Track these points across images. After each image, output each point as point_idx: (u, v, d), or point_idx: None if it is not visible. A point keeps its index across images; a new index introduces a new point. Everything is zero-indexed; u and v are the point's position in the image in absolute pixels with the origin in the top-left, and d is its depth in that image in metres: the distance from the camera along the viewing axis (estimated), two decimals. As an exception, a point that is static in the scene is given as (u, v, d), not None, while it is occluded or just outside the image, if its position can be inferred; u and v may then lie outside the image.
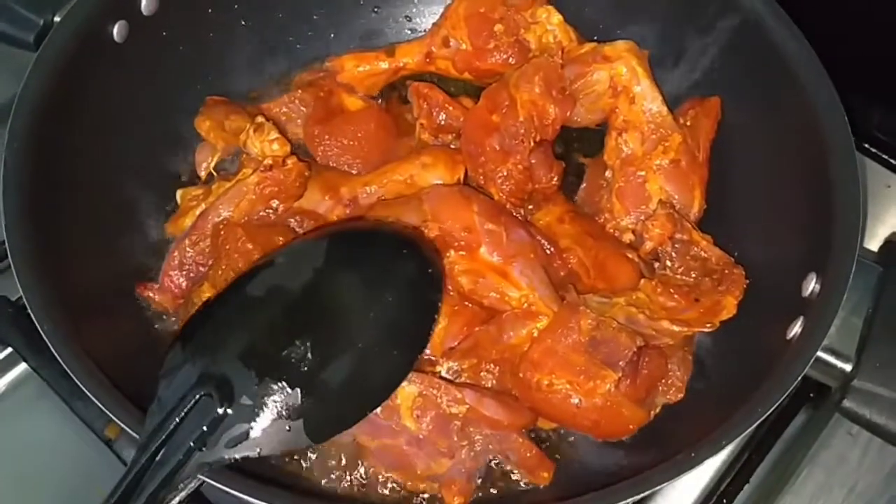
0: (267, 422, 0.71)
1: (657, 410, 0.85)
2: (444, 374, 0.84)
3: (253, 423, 0.70)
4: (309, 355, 0.74)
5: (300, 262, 0.81)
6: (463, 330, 0.86)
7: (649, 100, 0.96)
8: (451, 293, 0.87)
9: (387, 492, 0.83)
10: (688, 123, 0.96)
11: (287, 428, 0.71)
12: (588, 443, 0.86)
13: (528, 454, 0.81)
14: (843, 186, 0.78)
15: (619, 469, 0.79)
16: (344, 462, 0.83)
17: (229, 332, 0.76)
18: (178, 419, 0.69)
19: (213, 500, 0.86)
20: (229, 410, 0.70)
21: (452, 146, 0.99)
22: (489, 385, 0.84)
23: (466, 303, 0.87)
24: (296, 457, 0.84)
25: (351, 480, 0.83)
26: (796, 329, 0.75)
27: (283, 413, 0.71)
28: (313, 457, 0.84)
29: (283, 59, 1.07)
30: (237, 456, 0.69)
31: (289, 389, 0.72)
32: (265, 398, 0.72)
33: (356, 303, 0.79)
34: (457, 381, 0.84)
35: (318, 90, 1.02)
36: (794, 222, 0.85)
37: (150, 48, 0.93)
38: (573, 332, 0.81)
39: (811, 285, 0.77)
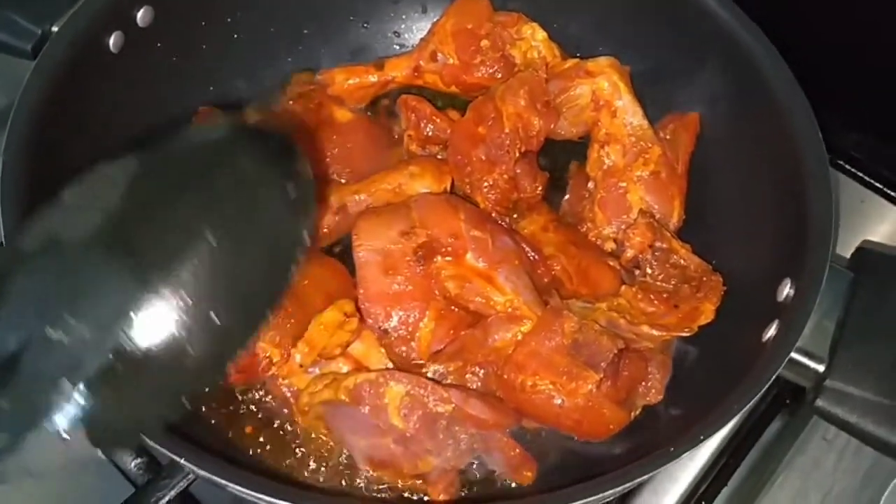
0: (33, 430, 0.54)
1: (637, 412, 0.87)
2: (430, 376, 0.86)
3: (12, 434, 0.54)
4: (87, 336, 0.54)
5: (90, 198, 0.59)
6: (449, 333, 0.88)
7: (630, 114, 0.99)
8: (438, 298, 0.88)
9: (373, 488, 0.84)
10: (667, 137, 0.99)
11: (62, 436, 0.54)
12: (570, 443, 0.88)
13: (512, 453, 0.83)
14: (817, 195, 0.81)
15: (601, 468, 0.80)
16: (332, 461, 0.85)
17: None
18: None
19: (202, 499, 0.87)
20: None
21: (439, 157, 1.02)
22: (474, 387, 0.86)
23: (453, 307, 0.89)
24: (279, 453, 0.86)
25: (339, 480, 0.85)
26: (771, 332, 0.77)
27: (54, 416, 0.54)
28: (298, 454, 0.86)
29: (275, 72, 1.09)
30: None
31: (59, 384, 0.54)
32: (27, 398, 0.54)
33: (159, 254, 0.57)
34: (443, 383, 0.86)
35: (309, 102, 1.04)
36: (769, 231, 0.88)
37: (144, 59, 0.95)
38: (556, 335, 0.83)
39: (786, 290, 0.79)
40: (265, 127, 0.66)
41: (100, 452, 0.57)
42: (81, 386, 0.54)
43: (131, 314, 0.55)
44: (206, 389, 0.59)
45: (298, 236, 0.60)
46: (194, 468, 0.68)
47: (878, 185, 1.18)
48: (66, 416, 0.54)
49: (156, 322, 0.55)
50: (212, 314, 0.56)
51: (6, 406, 0.53)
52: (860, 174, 1.18)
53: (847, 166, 1.18)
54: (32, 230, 0.58)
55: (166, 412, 0.59)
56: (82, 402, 0.54)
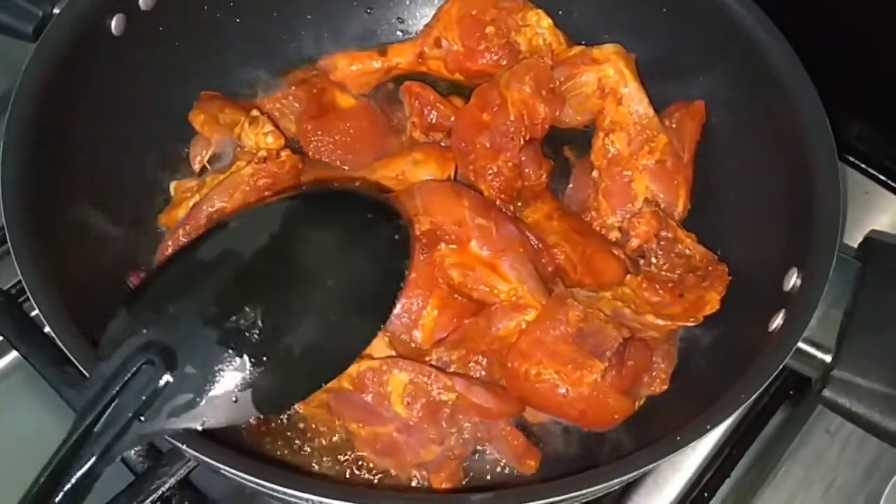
0: (212, 392, 0.68)
1: (642, 401, 0.87)
2: (433, 364, 0.85)
3: (197, 393, 0.68)
4: (260, 322, 0.71)
5: (256, 225, 0.78)
6: (453, 322, 0.87)
7: (636, 101, 0.98)
8: (442, 285, 0.88)
9: (375, 476, 0.84)
10: (673, 125, 0.99)
11: (234, 399, 0.69)
12: (574, 433, 0.87)
13: (516, 442, 0.82)
14: (824, 184, 0.81)
15: (605, 457, 0.80)
16: (335, 449, 0.85)
17: (176, 297, 0.73)
18: (117, 388, 0.66)
19: (202, 487, 0.86)
20: (171, 379, 0.67)
21: (443, 144, 1.01)
22: (478, 376, 0.85)
23: (456, 295, 0.88)
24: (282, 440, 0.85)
25: (342, 467, 0.84)
26: (778, 322, 0.77)
27: (230, 383, 0.69)
28: (301, 441, 0.85)
29: (277, 57, 1.08)
30: (179, 427, 0.67)
31: (237, 358, 0.70)
32: (211, 367, 0.69)
33: (314, 269, 0.77)
34: (446, 371, 0.85)
35: (312, 87, 1.03)
36: (776, 220, 0.87)
37: (146, 42, 0.94)
38: (561, 324, 0.83)
39: (792, 280, 0.79)
40: (378, 194, 0.88)
41: (260, 415, 0.70)
42: (250, 361, 0.70)
43: (293, 311, 0.74)
44: (338, 376, 0.77)
45: (403, 268, 0.81)
46: (197, 454, 0.67)
47: (882, 176, 1.18)
48: (236, 383, 0.69)
49: (309, 319, 0.74)
50: (347, 317, 0.77)
51: (193, 371, 0.68)
52: (864, 165, 1.18)
53: (851, 158, 1.18)
54: (206, 244, 0.76)
55: (310, 389, 0.75)
56: (249, 373, 0.70)
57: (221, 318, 0.71)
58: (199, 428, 0.67)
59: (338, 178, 0.96)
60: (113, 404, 0.65)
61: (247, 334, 0.71)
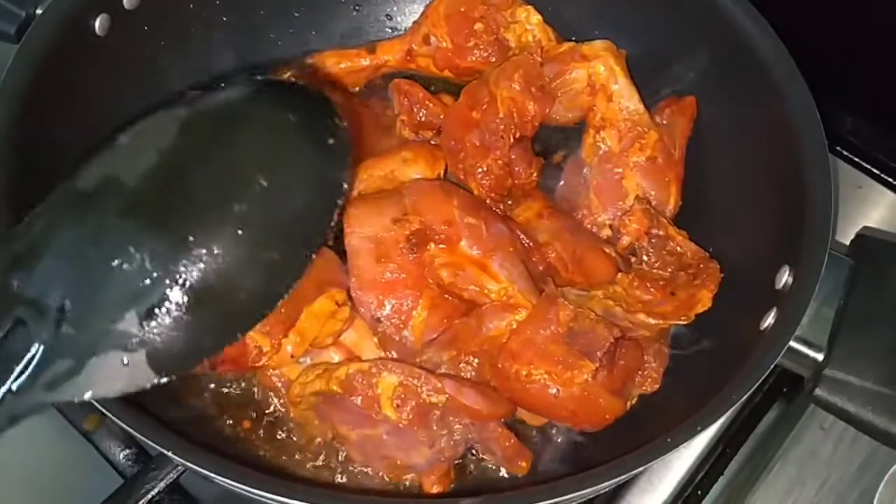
0: (96, 355, 0.57)
1: (633, 401, 0.86)
2: (423, 365, 0.85)
3: (78, 358, 0.56)
4: (148, 265, 0.58)
5: (145, 140, 0.64)
6: (443, 322, 0.87)
7: (626, 98, 0.97)
8: (432, 286, 0.87)
9: (365, 479, 0.83)
10: (664, 122, 0.98)
11: (123, 361, 0.57)
12: (566, 434, 0.87)
13: (507, 444, 0.81)
14: (816, 180, 0.80)
15: (596, 458, 0.79)
16: (324, 452, 0.84)
17: (49, 241, 0.60)
18: None
19: (192, 491, 0.86)
20: (46, 342, 0.56)
21: (433, 142, 1.00)
22: (468, 377, 0.84)
23: (446, 295, 0.88)
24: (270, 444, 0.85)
25: (331, 471, 0.84)
26: (770, 320, 0.76)
27: (117, 343, 0.57)
28: (289, 445, 0.85)
29: (264, 56, 1.07)
30: (60, 399, 0.57)
31: (123, 312, 0.57)
32: (92, 325, 0.57)
33: (216, 191, 0.61)
34: (436, 372, 0.84)
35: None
36: (767, 217, 0.86)
37: (131, 42, 0.93)
38: (551, 324, 0.82)
39: (784, 278, 0.78)
40: (303, 82, 0.71)
41: (161, 378, 0.59)
42: (142, 313, 0.57)
43: (189, 246, 0.59)
44: (257, 323, 0.63)
45: (339, 181, 0.65)
46: (185, 462, 0.66)
47: (875, 170, 1.17)
48: (125, 341, 0.57)
49: (212, 255, 0.59)
50: (263, 250, 0.61)
51: (71, 331, 0.57)
52: (857, 159, 1.18)
53: (844, 151, 1.17)
54: (88, 170, 0.62)
55: (222, 342, 0.62)
56: (142, 329, 0.57)
57: (103, 262, 0.58)
58: (87, 399, 0.57)
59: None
60: None
61: (133, 281, 0.57)
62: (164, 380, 0.59)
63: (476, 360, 0.85)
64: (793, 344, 0.75)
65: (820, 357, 0.77)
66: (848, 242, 0.89)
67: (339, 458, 0.84)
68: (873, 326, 0.77)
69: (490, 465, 0.85)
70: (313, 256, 0.64)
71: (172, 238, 0.59)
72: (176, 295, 0.58)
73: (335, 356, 0.86)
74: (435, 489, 0.81)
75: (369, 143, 1.01)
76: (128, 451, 0.88)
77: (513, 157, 0.94)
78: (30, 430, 0.91)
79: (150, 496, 0.84)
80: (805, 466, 0.98)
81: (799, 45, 0.88)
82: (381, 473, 0.83)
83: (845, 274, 0.80)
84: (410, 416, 0.79)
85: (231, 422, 0.86)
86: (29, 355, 0.56)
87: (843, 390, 0.75)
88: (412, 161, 0.95)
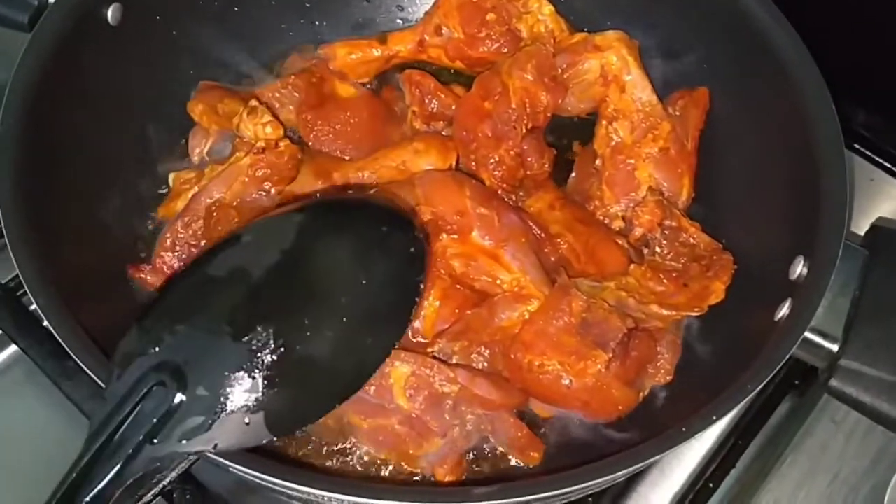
0: (223, 414, 0.66)
1: (646, 392, 0.86)
2: (436, 356, 0.85)
3: (208, 416, 0.66)
4: (272, 343, 0.69)
5: (267, 239, 0.75)
6: (455, 313, 0.87)
7: (639, 89, 0.97)
8: (444, 276, 0.87)
9: (377, 469, 0.83)
10: (677, 113, 0.98)
11: (246, 421, 0.67)
12: (578, 425, 0.86)
13: (519, 434, 0.81)
14: (830, 171, 0.79)
15: (609, 449, 0.79)
16: (337, 441, 0.84)
17: (187, 315, 0.70)
18: (127, 410, 0.64)
19: (204, 480, 0.86)
20: (183, 401, 0.66)
21: (444, 133, 1.00)
22: (480, 367, 0.84)
23: (458, 286, 0.88)
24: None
25: (343, 459, 0.84)
26: (784, 311, 0.76)
27: (242, 405, 0.67)
28: (301, 434, 0.85)
29: (276, 46, 1.07)
30: (191, 451, 0.65)
31: (249, 380, 0.67)
32: (223, 389, 0.67)
33: (327, 284, 0.74)
34: (448, 363, 0.84)
35: (311, 77, 1.02)
36: (781, 208, 0.86)
37: (143, 32, 0.93)
38: (564, 314, 0.82)
39: (799, 268, 0.78)
40: (392, 202, 0.85)
41: (273, 437, 0.68)
42: (265, 382, 0.68)
43: (305, 329, 0.70)
44: (351, 396, 0.73)
45: (417, 282, 0.77)
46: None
47: (887, 163, 1.17)
48: (248, 404, 0.67)
49: (322, 337, 0.71)
50: (360, 335, 0.73)
51: (204, 394, 0.66)
52: (869, 152, 1.17)
53: (856, 145, 1.17)
54: (217, 260, 0.74)
55: (325, 409, 0.72)
56: (264, 395, 0.67)
57: (233, 337, 0.69)
58: (211, 451, 0.65)
59: (352, 187, 0.94)
60: (123, 427, 0.64)
61: (259, 354, 0.68)
62: (275, 439, 0.68)
63: (488, 351, 0.85)
64: (808, 335, 0.74)
65: (835, 348, 0.76)
66: (860, 234, 0.89)
67: (352, 447, 0.84)
68: (889, 317, 0.76)
69: (502, 456, 0.85)
70: (396, 344, 0.76)
71: (292, 321, 0.70)
72: (292, 368, 0.68)
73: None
74: (448, 479, 0.80)
75: (381, 135, 1.01)
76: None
77: (525, 147, 0.94)
78: (41, 418, 0.93)
79: (162, 485, 0.83)
80: (817, 459, 0.98)
81: (813, 37, 0.88)
82: (393, 463, 0.83)
83: (860, 264, 0.79)
84: (423, 406, 0.79)
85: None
86: (166, 410, 0.65)
87: (858, 381, 0.75)
88: (424, 152, 0.95)
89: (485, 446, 0.85)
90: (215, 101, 0.96)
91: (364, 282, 0.74)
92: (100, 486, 0.62)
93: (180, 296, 0.73)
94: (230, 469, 0.66)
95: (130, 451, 0.63)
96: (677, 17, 0.99)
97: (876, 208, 1.13)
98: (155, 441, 0.65)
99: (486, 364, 0.85)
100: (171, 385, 0.66)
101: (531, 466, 0.83)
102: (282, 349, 0.69)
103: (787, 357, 0.72)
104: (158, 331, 0.69)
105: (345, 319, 0.72)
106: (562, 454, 0.85)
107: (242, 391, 0.67)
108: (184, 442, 0.65)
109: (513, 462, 0.84)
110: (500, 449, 0.84)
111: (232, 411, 0.66)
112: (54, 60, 0.83)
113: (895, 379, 0.74)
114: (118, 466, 0.63)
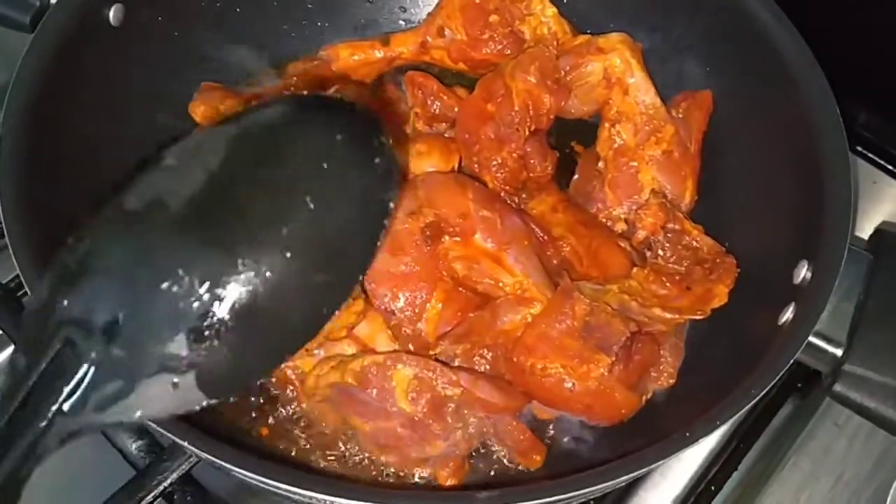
0: (146, 377, 0.56)
1: (649, 396, 0.86)
2: (438, 358, 0.84)
3: (127, 380, 0.56)
4: (197, 288, 0.57)
5: (191, 159, 0.61)
6: (457, 315, 0.86)
7: (642, 91, 0.96)
8: (446, 279, 0.87)
9: (381, 474, 0.83)
10: (680, 115, 0.97)
11: (174, 382, 0.57)
12: (581, 428, 0.86)
13: (522, 437, 0.81)
14: (834, 174, 0.79)
15: (612, 453, 0.79)
16: (338, 444, 0.84)
17: (96, 262, 0.58)
18: (34, 378, 0.55)
19: (205, 481, 0.86)
20: (96, 363, 0.55)
21: (447, 135, 1.00)
22: (483, 370, 0.84)
23: (461, 289, 0.87)
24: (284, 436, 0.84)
25: (345, 463, 0.83)
26: (788, 315, 0.76)
27: (167, 365, 0.56)
28: (303, 437, 0.84)
29: (278, 48, 1.06)
30: (110, 421, 0.56)
31: (173, 334, 0.56)
32: (141, 346, 0.56)
33: (263, 212, 0.60)
34: (451, 365, 0.84)
35: (313, 78, 1.02)
36: (785, 211, 0.86)
37: (145, 33, 0.93)
38: (567, 318, 0.81)
39: (802, 272, 0.77)
40: (351, 99, 0.67)
41: (210, 400, 0.58)
42: (191, 335, 0.56)
43: (239, 268, 0.58)
44: (304, 345, 0.63)
45: (386, 202, 0.63)
46: (199, 452, 0.66)
47: (889, 166, 1.16)
48: (175, 363, 0.56)
49: (260, 277, 0.58)
50: (310, 272, 0.60)
51: (120, 353, 0.56)
52: (872, 155, 1.17)
53: (859, 147, 1.16)
54: (135, 190, 0.60)
55: (270, 364, 0.62)
56: (191, 350, 0.57)
57: (150, 284, 0.57)
58: (136, 420, 0.57)
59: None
60: (31, 398, 0.55)
61: (182, 304, 0.57)
62: (214, 401, 0.58)
63: (490, 354, 0.84)
64: (812, 339, 0.74)
65: (839, 352, 0.76)
66: (864, 238, 0.89)
67: (354, 450, 0.84)
68: (893, 321, 0.76)
69: (504, 459, 0.85)
70: (360, 278, 0.64)
71: (221, 260, 0.58)
72: (224, 317, 0.57)
73: (349, 349, 0.85)
74: (449, 482, 0.80)
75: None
76: (140, 441, 0.87)
77: (528, 150, 0.94)
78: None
79: (162, 487, 0.83)
80: (819, 462, 0.98)
81: (816, 38, 0.87)
82: (395, 466, 0.83)
83: (864, 269, 0.79)
84: (425, 409, 0.79)
85: (244, 414, 0.86)
86: (78, 376, 0.55)
87: (863, 386, 0.75)
88: (426, 154, 0.95)
89: (487, 449, 0.84)
90: (217, 102, 0.96)
91: (312, 205, 0.60)
92: (10, 466, 0.53)
93: (91, 238, 0.60)
94: (230, 472, 0.66)
95: (42, 426, 0.54)
96: (681, 19, 0.99)
97: (878, 211, 1.13)
98: (67, 410, 0.55)
99: (488, 367, 0.84)
100: (82, 344, 0.55)
101: (533, 470, 0.83)
102: (210, 295, 0.57)
103: (791, 362, 0.72)
104: (66, 281, 0.58)
105: (288, 254, 0.59)
106: (564, 458, 0.85)
107: (167, 348, 0.56)
108: (102, 411, 0.56)
109: (515, 465, 0.84)
110: (503, 452, 0.84)
111: (155, 372, 0.56)
112: (56, 61, 0.83)
113: (899, 384, 0.74)
114: (28, 444, 0.54)
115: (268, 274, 0.58)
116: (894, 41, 1.08)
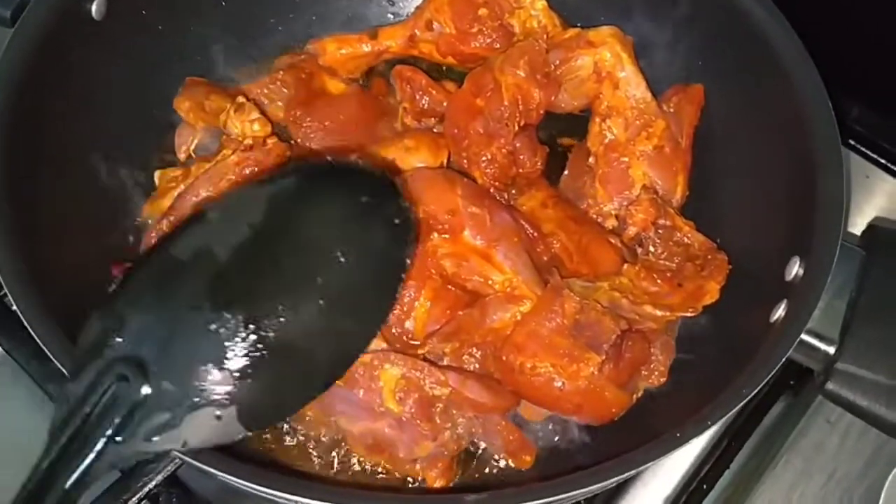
0: (192, 410, 0.62)
1: (640, 394, 0.85)
2: (426, 357, 0.83)
3: (175, 412, 0.61)
4: (242, 330, 0.63)
5: (234, 214, 0.68)
6: (446, 313, 0.85)
7: (633, 86, 0.95)
8: (435, 276, 0.86)
9: (369, 476, 0.82)
10: (671, 110, 0.96)
11: (217, 415, 0.62)
12: (571, 428, 0.85)
13: (511, 437, 0.81)
14: (827, 170, 0.78)
15: (603, 453, 0.78)
16: (326, 446, 0.83)
17: (149, 303, 0.65)
18: (89, 408, 0.60)
19: (190, 483, 0.85)
20: (148, 396, 0.61)
21: (435, 130, 0.98)
22: (472, 369, 0.83)
23: (450, 286, 0.86)
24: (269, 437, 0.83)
25: (332, 464, 0.82)
26: (780, 312, 0.75)
27: (212, 399, 0.62)
28: (293, 441, 0.83)
29: (264, 42, 1.05)
30: (158, 449, 0.61)
31: (218, 371, 0.62)
32: (190, 382, 0.62)
33: (302, 263, 0.67)
34: (439, 364, 0.83)
35: (300, 72, 1.00)
36: (777, 207, 0.85)
37: (128, 27, 0.92)
38: (557, 316, 0.81)
39: (794, 269, 0.76)
40: (373, 167, 0.75)
41: (248, 433, 0.64)
42: (235, 373, 0.63)
43: (279, 313, 0.64)
44: (331, 385, 0.70)
45: (403, 257, 0.70)
46: (180, 456, 0.65)
47: (882, 160, 1.15)
48: (219, 397, 0.62)
49: (298, 322, 0.65)
50: (340, 318, 0.67)
51: (170, 388, 0.62)
52: (864, 149, 1.16)
53: (851, 141, 1.15)
54: (181, 240, 0.67)
55: (303, 400, 0.68)
56: (234, 387, 0.63)
57: (200, 325, 0.63)
58: (181, 448, 0.62)
59: (329, 152, 0.88)
60: (86, 426, 0.59)
61: (228, 343, 0.63)
62: (250, 433, 0.64)
63: (479, 352, 0.84)
64: (804, 337, 0.73)
65: (832, 350, 0.75)
66: (855, 232, 0.88)
67: (340, 452, 0.83)
68: (886, 319, 0.75)
69: (493, 459, 0.84)
70: (382, 326, 0.71)
71: (263, 305, 0.64)
72: (265, 357, 0.63)
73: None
74: (438, 483, 0.79)
75: (371, 131, 0.99)
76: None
77: (517, 145, 0.93)
78: (27, 421, 0.92)
79: (147, 489, 0.83)
80: (812, 460, 0.97)
81: (807, 32, 0.86)
82: (383, 466, 0.82)
83: (857, 265, 0.78)
84: (413, 409, 0.78)
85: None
86: (130, 407, 0.60)
87: (855, 384, 0.74)
88: (415, 149, 0.94)
89: (477, 450, 0.83)
90: (202, 97, 0.95)
91: (343, 259, 0.67)
92: (64, 489, 0.58)
93: (142, 282, 0.67)
94: (216, 476, 0.65)
95: (94, 451, 0.59)
96: (672, 12, 0.97)
97: (871, 206, 1.12)
98: (119, 440, 0.60)
99: (477, 366, 0.84)
100: (134, 379, 0.61)
101: (523, 470, 0.82)
102: (253, 336, 0.63)
103: (783, 360, 0.71)
104: (119, 321, 0.63)
105: (322, 302, 0.66)
106: (554, 458, 0.84)
107: (212, 384, 0.62)
108: (150, 440, 0.61)
109: (504, 465, 0.83)
110: (492, 452, 0.83)
111: (201, 406, 0.62)
112: (37, 56, 0.81)
113: (892, 382, 0.73)
114: (82, 468, 0.59)
115: (304, 318, 0.65)
116: (888, 34, 1.07)
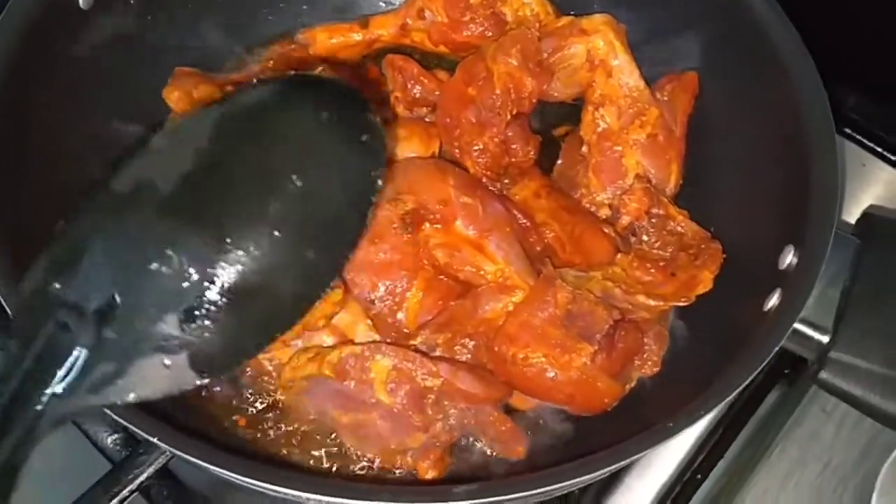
0: (138, 358, 0.57)
1: (633, 384, 0.85)
2: (418, 348, 0.83)
3: (120, 361, 0.57)
4: (187, 269, 0.58)
5: (179, 141, 0.63)
6: (438, 304, 0.85)
7: (626, 74, 0.94)
8: (427, 267, 0.85)
9: (361, 467, 0.81)
10: (665, 98, 0.95)
11: (166, 363, 0.58)
12: (563, 418, 0.85)
13: (503, 428, 0.80)
14: (821, 158, 0.78)
15: (596, 443, 0.78)
16: (317, 438, 0.82)
17: (86, 245, 0.59)
18: (28, 362, 0.56)
19: (181, 476, 0.84)
20: (90, 346, 0.57)
21: (427, 119, 0.98)
22: (464, 359, 0.83)
23: (442, 277, 0.86)
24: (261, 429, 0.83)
25: (324, 457, 0.82)
26: (773, 301, 0.74)
27: (159, 346, 0.58)
28: (281, 430, 0.83)
29: (255, 31, 1.04)
30: (104, 402, 0.58)
31: (164, 315, 0.57)
32: (133, 327, 0.57)
33: (253, 191, 0.61)
34: (431, 355, 0.83)
35: (290, 62, 1.00)
36: (771, 196, 0.84)
37: (117, 16, 0.90)
38: (549, 306, 0.80)
39: (788, 258, 0.76)
40: (336, 79, 0.71)
41: (203, 380, 0.60)
42: (182, 315, 0.58)
43: (227, 248, 0.59)
44: (295, 324, 0.64)
45: (373, 179, 0.63)
46: (169, 448, 0.65)
47: (878, 148, 1.15)
48: (167, 343, 0.58)
49: (249, 256, 0.59)
50: (299, 250, 0.61)
51: (112, 335, 0.57)
52: (860, 137, 1.15)
53: (847, 129, 1.15)
54: (124, 172, 0.61)
55: (261, 343, 0.63)
56: (182, 331, 0.58)
57: (140, 266, 0.58)
58: (131, 401, 0.58)
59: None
60: (26, 381, 0.56)
61: (172, 284, 0.58)
62: (206, 381, 0.60)
63: (472, 343, 0.83)
64: (798, 326, 0.73)
65: (825, 339, 0.75)
66: (851, 221, 0.88)
67: (331, 444, 0.82)
68: (880, 308, 0.75)
69: (487, 451, 0.83)
70: (349, 256, 0.64)
71: (210, 240, 0.59)
72: (214, 296, 0.58)
73: (328, 339, 0.84)
74: (430, 475, 0.79)
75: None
76: (116, 435, 0.86)
77: (510, 134, 0.92)
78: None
79: (139, 481, 0.82)
80: (807, 449, 0.97)
81: (802, 20, 0.86)
82: (374, 459, 0.81)
83: (851, 254, 0.78)
84: (405, 401, 0.77)
85: (220, 406, 0.84)
86: (72, 358, 0.57)
87: (849, 373, 0.74)
88: (406, 139, 0.93)
89: (469, 441, 0.83)
90: (191, 87, 0.94)
91: (299, 183, 0.61)
92: (8, 452, 0.54)
93: (78, 223, 0.61)
94: (205, 469, 0.65)
95: (37, 408, 0.55)
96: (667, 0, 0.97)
97: (867, 194, 1.11)
98: (61, 394, 0.56)
99: (469, 356, 0.83)
100: (74, 328, 0.57)
101: (516, 461, 0.82)
102: (198, 276, 0.58)
103: (777, 349, 0.70)
104: (58, 266, 0.59)
105: (277, 233, 0.60)
106: (547, 449, 0.83)
107: (157, 329, 0.58)
108: (96, 393, 0.57)
109: (497, 456, 0.83)
110: (485, 444, 0.83)
111: (147, 354, 0.58)
112: (23, 47, 0.81)
113: (886, 371, 0.73)
114: (24, 427, 0.55)
115: (256, 252, 0.59)
116: (885, 22, 1.06)
